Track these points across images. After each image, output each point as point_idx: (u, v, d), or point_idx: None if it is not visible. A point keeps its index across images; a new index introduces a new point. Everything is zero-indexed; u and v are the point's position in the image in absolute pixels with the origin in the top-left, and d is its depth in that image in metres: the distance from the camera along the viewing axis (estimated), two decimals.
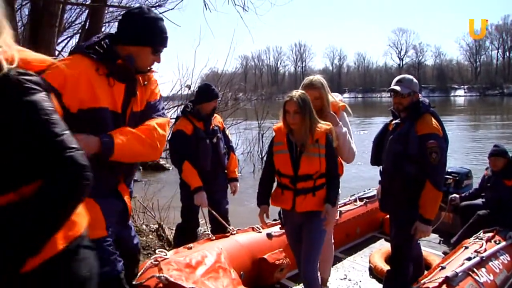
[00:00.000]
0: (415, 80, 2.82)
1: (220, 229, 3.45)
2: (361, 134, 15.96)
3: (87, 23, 4.32)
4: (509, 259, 3.30)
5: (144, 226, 4.92)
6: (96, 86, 1.67)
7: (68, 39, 6.60)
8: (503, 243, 3.41)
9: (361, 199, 4.70)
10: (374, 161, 3.11)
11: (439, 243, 4.41)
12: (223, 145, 3.56)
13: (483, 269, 2.96)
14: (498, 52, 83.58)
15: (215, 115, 3.62)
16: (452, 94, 78.48)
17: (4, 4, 1.14)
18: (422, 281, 2.76)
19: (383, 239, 4.46)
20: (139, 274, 2.35)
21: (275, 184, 2.69)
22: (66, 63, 1.66)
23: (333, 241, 3.13)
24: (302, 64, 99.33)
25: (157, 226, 4.75)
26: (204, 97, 3.41)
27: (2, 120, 1.01)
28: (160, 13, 1.76)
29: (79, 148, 1.11)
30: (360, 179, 7.49)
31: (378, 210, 3.77)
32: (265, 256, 3.19)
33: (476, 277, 2.82)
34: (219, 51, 8.72)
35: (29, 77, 1.06)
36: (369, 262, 3.80)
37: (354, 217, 4.40)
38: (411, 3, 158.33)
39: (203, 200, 3.30)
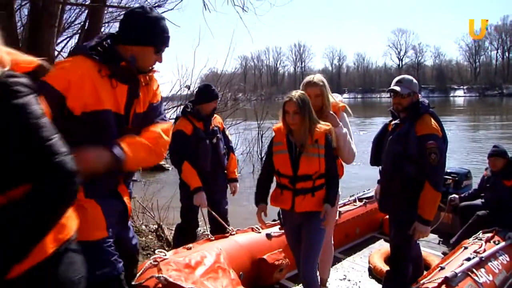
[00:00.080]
0: (414, 80, 2.82)
1: (219, 230, 3.45)
2: (361, 135, 15.96)
3: (87, 24, 4.31)
4: (508, 259, 3.30)
5: (143, 227, 4.92)
6: (100, 89, 1.67)
7: (68, 39, 6.59)
8: (503, 244, 3.42)
9: (360, 200, 4.70)
10: (374, 162, 3.11)
11: (439, 243, 4.41)
12: (223, 145, 3.56)
13: (483, 270, 2.97)
14: (497, 52, 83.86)
15: (215, 115, 3.62)
16: (451, 94, 78.56)
17: None
18: (422, 282, 2.76)
19: (382, 240, 4.47)
20: (138, 274, 2.34)
21: (274, 185, 2.69)
22: (68, 65, 1.66)
23: (332, 242, 3.13)
24: (301, 64, 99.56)
25: (156, 227, 4.75)
26: (204, 98, 3.41)
27: None
28: (160, 13, 1.76)
29: (68, 152, 1.08)
30: (360, 179, 7.48)
31: (378, 211, 3.77)
32: (265, 257, 3.18)
33: (476, 278, 2.82)
34: (218, 52, 8.72)
35: (17, 79, 1.03)
36: (369, 262, 3.80)
37: (354, 218, 4.40)
38: (410, 4, 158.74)
39: (202, 201, 3.30)
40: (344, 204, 4.53)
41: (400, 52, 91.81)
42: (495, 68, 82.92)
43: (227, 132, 3.76)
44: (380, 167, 3.01)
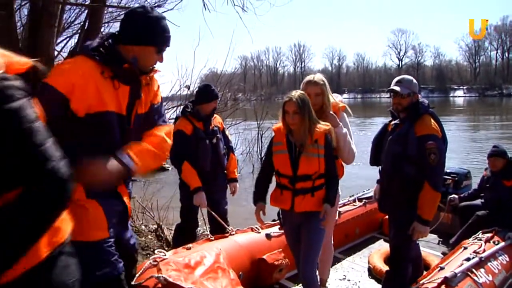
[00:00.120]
0: (414, 81, 2.82)
1: (219, 230, 3.45)
2: (360, 135, 15.96)
3: (87, 24, 4.31)
4: (508, 259, 3.30)
5: (143, 227, 4.92)
6: (102, 90, 1.67)
7: (68, 39, 6.58)
8: (502, 244, 3.42)
9: (360, 200, 4.71)
10: (373, 162, 3.11)
11: (438, 243, 4.41)
12: (223, 145, 3.57)
13: (482, 270, 2.97)
14: (497, 52, 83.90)
15: (215, 115, 3.62)
16: (451, 94, 78.58)
17: None
18: (421, 282, 2.76)
19: (382, 240, 4.47)
20: (138, 274, 2.35)
21: (273, 185, 2.69)
22: (71, 66, 1.66)
23: (332, 242, 3.13)
24: (301, 64, 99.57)
25: (156, 227, 4.75)
26: (204, 98, 3.41)
27: None
28: (161, 13, 1.76)
29: (62, 157, 1.07)
30: (360, 179, 7.48)
31: (377, 211, 3.77)
32: (264, 257, 3.18)
33: (475, 278, 2.82)
34: (218, 52, 8.71)
35: (10, 82, 1.00)
36: (368, 262, 3.80)
37: (353, 218, 4.40)
38: (410, 4, 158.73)
39: (202, 201, 3.30)
40: (344, 204, 4.53)
41: (400, 52, 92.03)
42: (495, 68, 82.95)
43: (227, 132, 3.76)
44: (380, 167, 3.02)
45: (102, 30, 4.67)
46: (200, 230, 4.06)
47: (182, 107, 4.45)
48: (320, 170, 2.48)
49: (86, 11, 4.85)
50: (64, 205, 1.09)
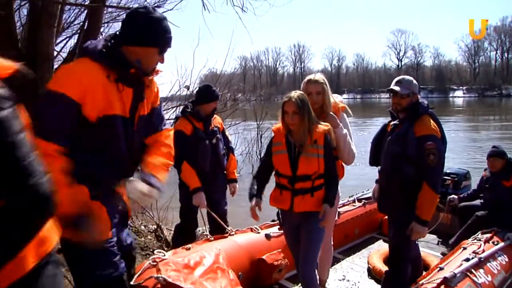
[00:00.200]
0: (414, 81, 2.83)
1: (218, 230, 3.45)
2: (360, 135, 15.96)
3: (86, 24, 4.31)
4: (507, 260, 3.30)
5: (142, 227, 4.92)
6: (109, 93, 1.68)
7: (67, 39, 6.58)
8: (501, 244, 3.42)
9: (359, 200, 4.71)
10: (373, 162, 3.11)
11: (438, 244, 4.41)
12: (223, 146, 3.57)
13: (481, 270, 2.97)
14: (496, 53, 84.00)
15: (215, 115, 3.62)
16: (450, 95, 78.60)
17: None
18: (420, 282, 2.76)
19: (381, 240, 4.47)
20: (137, 274, 2.35)
21: (272, 185, 2.69)
22: (79, 69, 1.65)
23: (332, 242, 3.13)
24: (301, 65, 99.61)
25: (155, 227, 4.75)
26: (204, 98, 3.41)
27: None
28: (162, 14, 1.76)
29: (45, 173, 1.03)
30: (359, 180, 7.48)
31: (377, 211, 3.77)
32: (264, 257, 3.18)
33: (474, 278, 2.82)
34: (218, 52, 8.71)
35: None
36: (368, 263, 3.80)
37: (353, 218, 4.40)
38: (409, 4, 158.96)
39: (201, 201, 3.30)
40: (344, 205, 4.53)
41: (399, 52, 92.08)
42: (494, 69, 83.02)
43: (226, 133, 3.76)
44: (379, 167, 3.02)
45: (101, 30, 4.67)
46: (199, 231, 4.05)
47: (181, 107, 4.45)
48: (320, 170, 2.48)
49: (86, 11, 4.86)
50: (45, 221, 1.06)
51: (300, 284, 2.89)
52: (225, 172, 3.64)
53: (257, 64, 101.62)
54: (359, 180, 7.50)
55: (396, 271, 2.86)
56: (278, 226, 3.21)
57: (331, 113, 2.75)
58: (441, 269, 2.88)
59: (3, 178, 0.96)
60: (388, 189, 2.87)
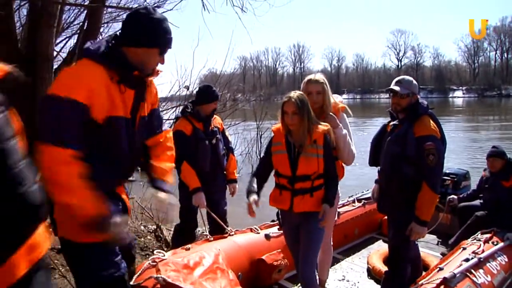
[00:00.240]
0: (414, 82, 2.82)
1: (218, 230, 3.45)
2: (360, 135, 15.97)
3: (86, 24, 4.31)
4: (506, 260, 3.30)
5: (142, 227, 4.91)
6: (113, 95, 1.68)
7: (67, 39, 6.59)
8: (501, 244, 3.42)
9: (359, 200, 4.71)
10: (372, 162, 3.11)
11: (437, 244, 4.41)
12: (223, 146, 3.57)
13: (481, 270, 2.97)
14: (496, 53, 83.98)
15: (215, 116, 3.62)
16: (450, 95, 78.64)
17: None
18: (420, 282, 2.75)
19: (381, 240, 4.47)
20: (137, 275, 2.34)
21: (272, 184, 2.68)
22: (84, 72, 1.64)
23: (331, 242, 3.13)
24: (300, 65, 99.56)
25: (155, 227, 4.75)
26: (204, 99, 3.41)
27: None
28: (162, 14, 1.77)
29: (34, 182, 1.01)
30: (359, 180, 7.49)
31: (376, 211, 3.77)
32: (263, 257, 3.18)
33: (474, 278, 2.83)
34: (217, 52, 8.73)
35: None
36: (367, 263, 3.80)
37: (353, 218, 4.40)
38: (409, 4, 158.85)
39: (201, 201, 3.30)
40: (343, 205, 4.53)
41: (399, 52, 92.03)
42: (494, 69, 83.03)
43: (226, 133, 3.76)
44: (379, 167, 3.02)
45: (101, 30, 4.68)
46: (199, 231, 4.05)
47: (181, 107, 4.45)
48: (319, 171, 2.48)
49: (85, 11, 4.86)
50: (34, 230, 1.04)
51: (299, 284, 2.88)
52: (225, 172, 3.64)
53: (257, 64, 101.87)
54: (358, 180, 7.49)
55: (395, 271, 2.86)
56: (278, 226, 3.22)
57: (330, 113, 2.75)
58: (441, 269, 2.88)
59: None
60: (388, 189, 2.87)
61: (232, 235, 3.31)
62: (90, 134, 1.63)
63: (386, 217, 3.43)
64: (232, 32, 7.69)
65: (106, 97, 1.65)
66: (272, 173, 2.68)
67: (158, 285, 2.29)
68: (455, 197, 4.46)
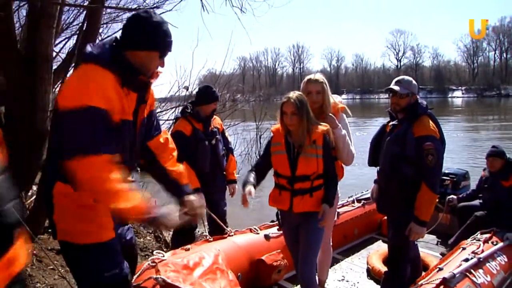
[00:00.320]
0: (414, 82, 2.83)
1: (218, 231, 3.45)
2: (359, 135, 15.97)
3: (85, 25, 4.30)
4: (506, 260, 3.31)
5: (142, 227, 4.91)
6: (122, 99, 1.69)
7: (66, 40, 6.57)
8: (501, 244, 3.42)
9: (359, 201, 4.71)
10: (372, 162, 3.12)
11: (437, 244, 4.42)
12: (222, 146, 3.57)
13: (481, 270, 2.97)
14: (495, 53, 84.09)
15: (215, 116, 3.62)
16: (449, 95, 78.67)
17: None
18: (420, 283, 2.76)
19: (380, 241, 4.47)
20: (136, 275, 2.34)
21: (272, 184, 2.68)
22: (96, 77, 1.63)
23: (331, 243, 3.13)
24: (300, 65, 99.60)
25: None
26: (203, 99, 3.42)
27: None
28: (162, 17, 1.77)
29: (13, 198, 0.97)
30: (358, 180, 7.48)
31: (376, 212, 3.77)
32: (263, 258, 3.18)
33: (474, 278, 2.83)
34: (217, 53, 8.73)
35: None
36: (367, 263, 3.80)
37: (352, 218, 4.40)
38: (408, 5, 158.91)
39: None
40: (343, 205, 4.53)
41: (398, 53, 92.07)
42: (493, 69, 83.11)
43: (226, 134, 3.77)
44: (378, 167, 3.02)
45: (100, 31, 4.67)
46: (198, 231, 4.06)
47: (180, 108, 4.45)
48: (319, 171, 2.49)
49: (85, 12, 4.85)
50: (6, 251, 1.00)
51: (299, 284, 2.88)
52: (224, 173, 3.64)
53: (256, 64, 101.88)
54: (358, 180, 7.49)
55: (395, 272, 2.86)
56: (277, 227, 3.22)
57: (330, 114, 2.75)
58: (440, 269, 2.88)
59: None
60: (387, 190, 2.87)
61: (232, 235, 3.31)
62: (114, 137, 1.66)
63: (385, 217, 3.43)
64: (232, 32, 7.69)
65: (118, 101, 1.66)
66: (272, 173, 2.68)
67: (158, 286, 2.30)
68: (455, 197, 4.46)
